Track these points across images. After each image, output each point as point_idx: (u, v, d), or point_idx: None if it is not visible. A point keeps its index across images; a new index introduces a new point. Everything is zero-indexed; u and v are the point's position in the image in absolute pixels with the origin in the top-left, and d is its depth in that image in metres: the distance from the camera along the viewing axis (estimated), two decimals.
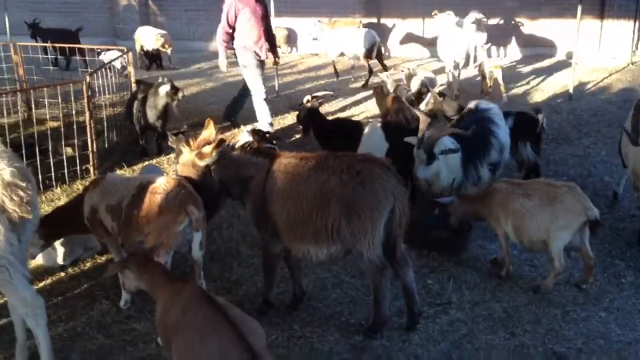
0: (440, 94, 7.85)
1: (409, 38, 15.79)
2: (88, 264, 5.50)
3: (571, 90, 11.32)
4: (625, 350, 4.43)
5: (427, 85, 9.67)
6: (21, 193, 3.60)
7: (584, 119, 9.99)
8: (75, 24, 15.10)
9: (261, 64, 9.04)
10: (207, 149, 4.53)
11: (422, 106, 7.87)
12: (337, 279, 5.30)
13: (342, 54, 13.21)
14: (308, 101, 8.06)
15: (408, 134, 6.61)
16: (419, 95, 9.20)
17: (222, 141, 4.56)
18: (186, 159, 4.56)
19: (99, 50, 12.64)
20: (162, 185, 4.62)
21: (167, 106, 8.30)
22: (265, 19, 8.96)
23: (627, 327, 4.67)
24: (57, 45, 12.06)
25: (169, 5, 17.51)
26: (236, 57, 9.10)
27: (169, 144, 7.61)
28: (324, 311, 4.86)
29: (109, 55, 12.68)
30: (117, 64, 12.34)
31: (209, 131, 4.68)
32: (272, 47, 9.40)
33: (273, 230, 4.47)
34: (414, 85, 9.79)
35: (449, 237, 5.73)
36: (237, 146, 4.68)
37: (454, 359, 4.34)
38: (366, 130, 6.80)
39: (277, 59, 9.84)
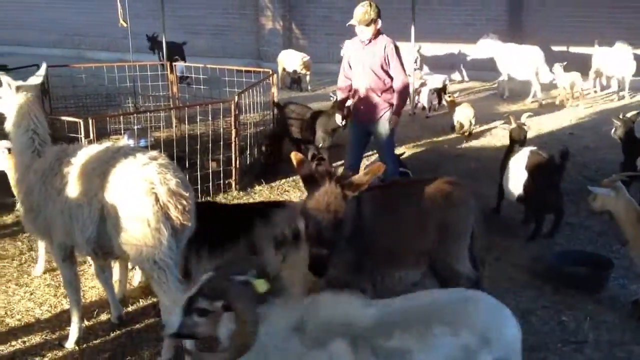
0: (629, 119, 7.50)
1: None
2: None
3: None
4: None
5: None
6: (184, 202, 3.89)
7: None
8: (223, 46, 15.99)
9: (355, 126, 6.98)
10: (363, 178, 3.94)
11: (612, 132, 7.64)
12: None
13: None
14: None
15: (549, 167, 6.45)
16: None
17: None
18: (332, 189, 3.84)
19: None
20: None
21: (335, 130, 8.41)
22: (379, 73, 6.77)
23: None
24: (209, 66, 12.78)
25: (311, 29, 18.10)
26: None
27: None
28: None
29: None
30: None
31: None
32: (395, 107, 6.69)
33: (366, 263, 4.35)
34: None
35: (587, 274, 5.57)
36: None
37: None
38: (515, 155, 6.78)
39: (391, 122, 6.69)
